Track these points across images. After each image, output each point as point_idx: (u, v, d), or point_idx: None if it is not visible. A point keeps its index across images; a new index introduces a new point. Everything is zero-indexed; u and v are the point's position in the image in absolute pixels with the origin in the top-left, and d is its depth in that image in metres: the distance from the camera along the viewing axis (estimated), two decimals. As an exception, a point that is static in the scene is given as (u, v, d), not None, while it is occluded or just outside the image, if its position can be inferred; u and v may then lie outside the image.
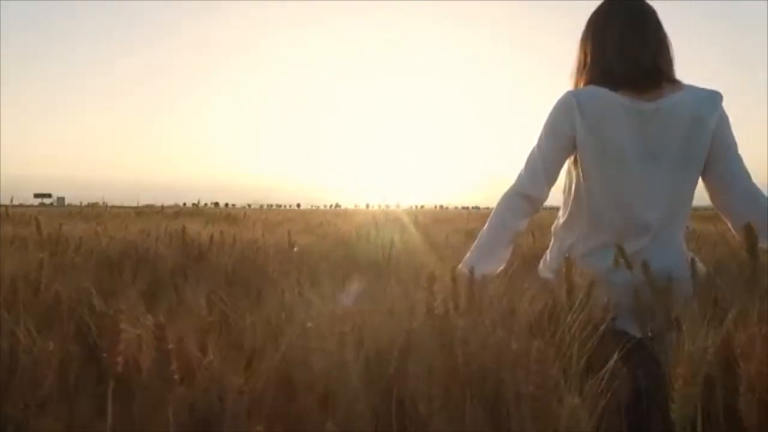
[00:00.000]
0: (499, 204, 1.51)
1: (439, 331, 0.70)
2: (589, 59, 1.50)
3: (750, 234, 1.20)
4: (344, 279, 1.25)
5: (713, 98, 1.41)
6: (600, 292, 1.07)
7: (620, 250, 1.32)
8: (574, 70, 1.56)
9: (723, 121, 1.42)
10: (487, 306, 0.79)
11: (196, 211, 7.00)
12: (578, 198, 1.49)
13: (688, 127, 1.37)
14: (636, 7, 1.48)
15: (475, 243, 1.51)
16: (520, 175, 1.51)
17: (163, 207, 7.40)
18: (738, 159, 1.44)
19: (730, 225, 1.47)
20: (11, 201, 6.27)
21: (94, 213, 5.53)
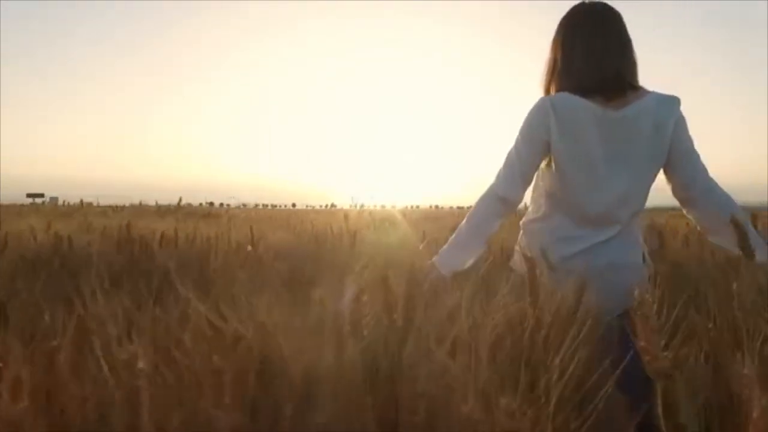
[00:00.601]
0: (477, 204, 1.59)
1: (360, 369, 0.44)
2: (559, 65, 1.60)
3: (739, 228, 1.24)
4: (287, 282, 1.01)
5: (672, 103, 1.52)
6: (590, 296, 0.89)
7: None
8: (545, 71, 1.65)
9: (680, 123, 1.53)
10: (439, 321, 0.53)
11: (177, 209, 6.69)
12: (550, 195, 1.60)
13: (650, 132, 1.50)
14: (601, 14, 1.58)
15: (451, 238, 1.58)
16: (498, 177, 1.58)
17: (141, 203, 7.08)
18: (696, 157, 1.55)
19: (691, 218, 1.60)
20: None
21: (65, 211, 5.25)
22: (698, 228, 1.63)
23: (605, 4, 1.59)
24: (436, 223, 3.84)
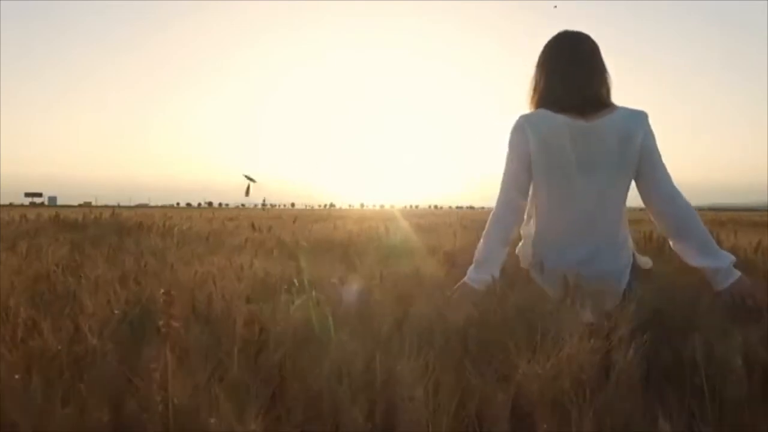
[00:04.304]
0: (489, 225, 1.75)
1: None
2: (541, 86, 1.80)
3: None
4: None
5: (639, 117, 1.69)
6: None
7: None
8: (529, 89, 1.85)
9: (648, 136, 1.69)
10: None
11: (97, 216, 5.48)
12: (536, 205, 1.78)
13: (618, 141, 1.65)
14: (581, 42, 1.79)
15: (475, 258, 1.72)
16: (497, 199, 1.76)
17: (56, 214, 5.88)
18: (661, 166, 1.70)
19: (657, 225, 1.77)
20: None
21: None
22: (660, 231, 1.86)
23: (584, 35, 1.81)
24: (430, 234, 3.42)
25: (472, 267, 1.71)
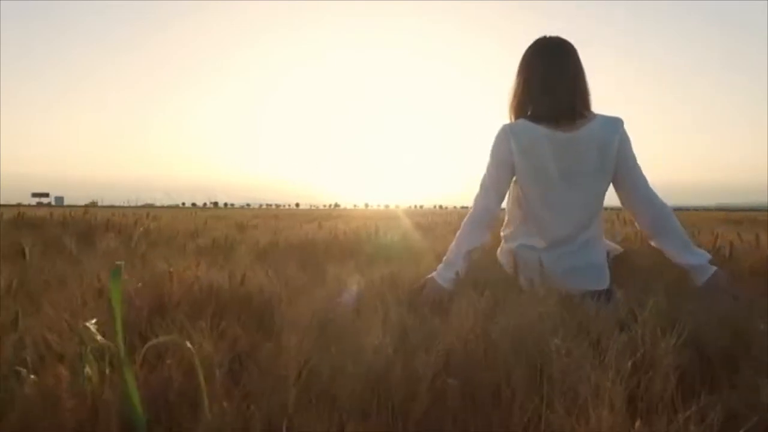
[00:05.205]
0: (463, 226, 1.80)
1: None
2: (520, 93, 1.84)
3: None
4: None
5: (615, 124, 1.76)
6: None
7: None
8: (510, 95, 1.88)
9: (624, 141, 1.76)
10: None
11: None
12: (520, 209, 1.85)
13: (597, 151, 1.73)
14: (558, 48, 1.81)
15: (444, 257, 1.77)
16: (476, 200, 1.82)
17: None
18: (637, 169, 1.79)
19: (635, 221, 1.88)
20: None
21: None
22: (641, 232, 1.97)
23: (561, 40, 1.81)
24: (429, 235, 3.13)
25: (441, 265, 1.75)
